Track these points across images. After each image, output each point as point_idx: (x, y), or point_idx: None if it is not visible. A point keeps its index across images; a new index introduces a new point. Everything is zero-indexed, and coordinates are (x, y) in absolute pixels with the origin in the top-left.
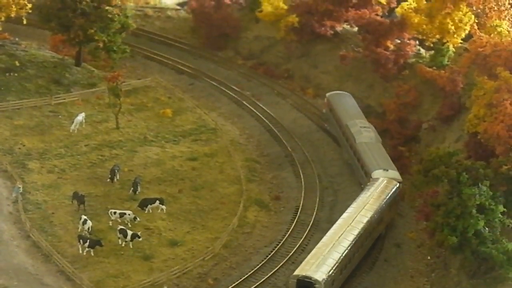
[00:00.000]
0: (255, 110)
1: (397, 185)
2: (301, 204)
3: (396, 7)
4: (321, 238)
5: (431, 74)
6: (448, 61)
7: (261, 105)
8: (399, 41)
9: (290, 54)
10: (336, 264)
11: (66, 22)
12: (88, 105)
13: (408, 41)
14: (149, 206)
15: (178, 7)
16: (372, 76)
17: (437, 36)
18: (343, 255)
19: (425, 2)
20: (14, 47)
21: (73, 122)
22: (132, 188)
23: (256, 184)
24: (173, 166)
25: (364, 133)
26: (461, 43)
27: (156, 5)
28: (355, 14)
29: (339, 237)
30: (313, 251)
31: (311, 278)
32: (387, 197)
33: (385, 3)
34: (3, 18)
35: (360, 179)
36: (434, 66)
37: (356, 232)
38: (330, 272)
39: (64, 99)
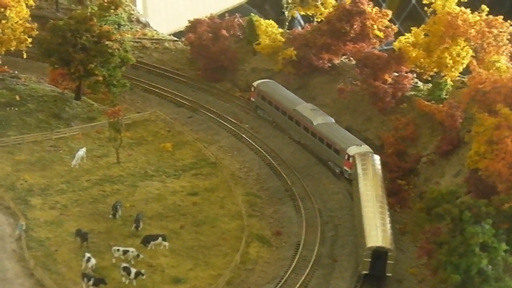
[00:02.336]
0: (254, 143)
1: (379, 158)
2: (302, 239)
3: (394, 40)
4: (323, 274)
5: (430, 108)
6: (446, 95)
7: (259, 138)
8: (396, 74)
9: (287, 87)
10: (391, 232)
11: (66, 57)
12: (88, 140)
13: (405, 74)
14: (151, 242)
15: (175, 39)
16: (369, 109)
17: (435, 69)
18: (389, 224)
19: (423, 37)
20: (14, 81)
21: (74, 157)
22: (134, 225)
23: (257, 219)
24: (174, 201)
25: (319, 115)
26: (458, 76)
27: (154, 36)
28: (353, 48)
29: (375, 210)
30: (365, 226)
31: (384, 247)
32: (380, 168)
33: (382, 36)
34: (3, 52)
35: (329, 157)
36: (432, 99)
37: (384, 202)
38: (392, 240)
39: (65, 133)
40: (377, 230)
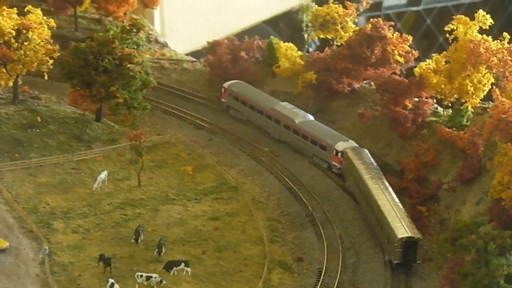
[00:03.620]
0: (273, 167)
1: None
2: (324, 266)
3: (414, 66)
4: None
5: (451, 135)
6: (467, 122)
7: (279, 162)
8: (417, 100)
9: (307, 110)
10: (411, 221)
11: (88, 79)
12: (109, 162)
13: (426, 100)
14: (174, 268)
15: (194, 60)
16: (389, 134)
17: (455, 96)
18: (406, 214)
19: (444, 64)
20: (36, 103)
21: (95, 180)
22: (156, 250)
23: (279, 245)
24: (196, 226)
25: (299, 113)
26: (479, 103)
27: (172, 57)
28: (374, 73)
29: (390, 202)
30: (387, 218)
31: (414, 237)
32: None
33: (403, 62)
34: (24, 73)
35: (315, 153)
36: (453, 126)
37: (393, 193)
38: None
39: (86, 155)
40: (401, 221)
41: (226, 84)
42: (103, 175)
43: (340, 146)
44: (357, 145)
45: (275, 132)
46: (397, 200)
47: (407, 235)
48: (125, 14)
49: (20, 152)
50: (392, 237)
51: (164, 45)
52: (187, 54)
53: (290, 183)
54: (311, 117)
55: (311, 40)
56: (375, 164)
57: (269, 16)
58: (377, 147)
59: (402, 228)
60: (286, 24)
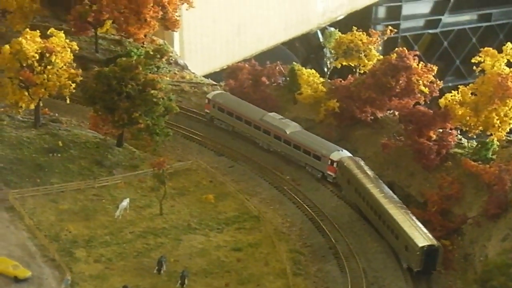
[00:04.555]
0: (295, 196)
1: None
2: None
3: (439, 97)
4: None
5: (477, 168)
6: (492, 155)
7: (301, 191)
8: (441, 131)
9: (328, 138)
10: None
11: (111, 105)
12: (130, 188)
13: (450, 131)
14: None
15: (214, 83)
16: (412, 165)
17: (481, 128)
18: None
19: (470, 96)
20: (57, 126)
21: (117, 208)
22: (179, 281)
23: (302, 278)
24: (218, 257)
25: (289, 124)
26: (505, 136)
27: (192, 80)
28: (398, 103)
29: (400, 211)
30: (405, 228)
31: (435, 245)
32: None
33: (427, 92)
34: (46, 96)
35: (308, 163)
36: (478, 159)
37: (400, 202)
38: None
39: (107, 182)
40: (417, 230)
41: (210, 95)
42: (125, 202)
43: (335, 156)
44: (350, 155)
45: (264, 142)
46: (406, 208)
47: (428, 244)
48: (145, 36)
49: (41, 177)
50: (413, 246)
51: (183, 67)
52: (205, 76)
53: (312, 213)
54: (300, 127)
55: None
56: (373, 173)
57: (288, 38)
58: (399, 177)
59: (421, 237)
60: (302, 45)
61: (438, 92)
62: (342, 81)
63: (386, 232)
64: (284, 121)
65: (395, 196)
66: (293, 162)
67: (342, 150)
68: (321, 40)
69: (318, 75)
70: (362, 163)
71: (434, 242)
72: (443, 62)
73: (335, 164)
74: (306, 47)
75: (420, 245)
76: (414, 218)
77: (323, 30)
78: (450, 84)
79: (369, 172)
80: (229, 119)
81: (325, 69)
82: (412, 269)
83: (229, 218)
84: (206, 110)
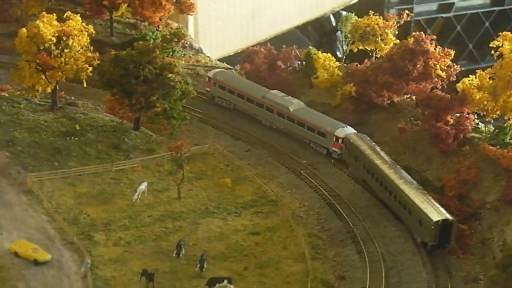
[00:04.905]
0: (313, 180)
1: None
2: (367, 286)
3: (456, 81)
4: None
5: (494, 153)
6: (510, 139)
7: (318, 175)
8: (458, 115)
9: (345, 122)
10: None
11: (128, 89)
12: (148, 172)
13: (467, 116)
14: (217, 285)
15: (229, 67)
16: (429, 149)
17: (498, 112)
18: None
19: (488, 80)
20: (74, 110)
21: (136, 191)
22: (198, 265)
23: (320, 262)
24: (237, 241)
25: (293, 101)
26: None
27: (207, 63)
28: (416, 87)
29: (412, 186)
30: (418, 203)
31: (449, 219)
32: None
33: (444, 76)
34: (63, 80)
35: (312, 140)
36: (495, 144)
37: (410, 177)
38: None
39: (125, 165)
40: (431, 205)
41: (210, 73)
42: (143, 186)
43: (340, 132)
44: (355, 131)
45: (267, 120)
46: (417, 184)
47: (443, 218)
48: (160, 19)
49: (59, 161)
50: (427, 220)
51: (198, 51)
52: (219, 60)
53: (329, 197)
54: (303, 104)
55: (338, 41)
56: (381, 150)
57: (301, 22)
58: (416, 162)
59: (435, 211)
60: (315, 29)
61: (455, 77)
62: (359, 65)
63: (398, 208)
64: (287, 99)
65: (405, 173)
66: (310, 146)
67: (346, 127)
68: (333, 24)
69: (334, 59)
70: (368, 139)
71: (448, 216)
72: (455, 46)
73: (340, 141)
74: (318, 31)
75: (435, 219)
76: (426, 193)
77: (335, 14)
78: (463, 68)
79: (377, 149)
80: (230, 97)
81: (338, 53)
82: (426, 244)
83: (246, 202)
84: (207, 88)
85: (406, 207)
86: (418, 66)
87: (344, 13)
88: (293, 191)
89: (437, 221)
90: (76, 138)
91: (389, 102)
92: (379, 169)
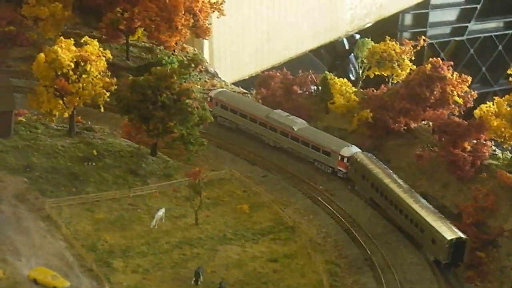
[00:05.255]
0: (329, 207)
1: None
2: None
3: (473, 107)
4: None
5: None
6: None
7: (335, 201)
8: (475, 142)
9: (361, 147)
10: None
11: (146, 114)
12: (165, 198)
13: (484, 142)
14: None
15: (245, 91)
16: (446, 176)
17: None
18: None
19: (506, 107)
20: (91, 135)
21: (153, 217)
22: None
23: None
24: (255, 268)
25: (296, 121)
26: None
27: (223, 88)
28: (433, 114)
29: (423, 205)
30: (430, 221)
31: (462, 237)
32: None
33: (461, 103)
34: (81, 105)
35: (317, 159)
36: None
37: (420, 197)
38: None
39: (142, 191)
40: (444, 223)
41: (212, 93)
42: (161, 212)
43: (346, 151)
44: (360, 150)
45: (270, 139)
46: (426, 202)
47: (457, 237)
48: (176, 43)
49: (77, 186)
50: (441, 239)
51: (214, 75)
52: (233, 83)
53: (347, 224)
54: (306, 123)
55: (351, 64)
56: (387, 168)
57: (316, 45)
58: (433, 188)
59: (448, 230)
60: (328, 51)
61: (472, 103)
62: (375, 91)
63: (409, 226)
64: (290, 118)
65: (415, 193)
66: (327, 172)
67: (351, 146)
68: (346, 46)
69: (351, 85)
70: (374, 158)
71: (461, 234)
72: (469, 69)
73: (345, 160)
74: (331, 54)
75: (449, 238)
76: (437, 212)
77: (349, 37)
78: (476, 91)
79: (384, 167)
80: (233, 116)
81: (351, 76)
82: (439, 262)
83: (264, 228)
84: (209, 108)
85: (418, 225)
86: (435, 92)
87: (357, 36)
88: (310, 217)
89: (451, 240)
90: (94, 164)
91: (405, 128)
92: (388, 188)
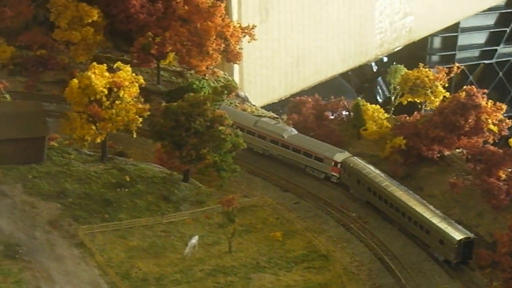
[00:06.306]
0: (363, 234)
1: None
2: None
3: (508, 136)
4: None
5: None
6: None
7: (368, 229)
8: (510, 170)
9: (393, 174)
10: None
11: (179, 141)
12: (198, 225)
13: None
14: None
15: (276, 116)
16: (481, 204)
17: None
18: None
19: None
20: (124, 161)
21: (186, 244)
22: None
23: None
24: None
25: (285, 128)
26: None
27: (253, 112)
28: (468, 142)
29: (427, 208)
30: (436, 222)
31: (470, 237)
32: None
33: (496, 131)
34: (114, 131)
35: (309, 165)
36: None
37: (420, 198)
38: None
39: (175, 218)
40: (450, 224)
41: None
42: (194, 240)
43: (338, 157)
44: (350, 154)
45: (259, 147)
46: (427, 203)
47: (465, 236)
48: (207, 68)
49: (109, 213)
50: (450, 240)
51: (244, 100)
52: (263, 107)
53: (380, 252)
54: (295, 131)
55: (379, 87)
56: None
57: (345, 69)
58: (467, 217)
59: (455, 230)
60: (356, 74)
61: (507, 131)
62: (408, 118)
63: (413, 228)
64: (279, 126)
65: (413, 193)
66: (360, 199)
67: (343, 152)
68: (374, 69)
69: (383, 111)
70: (365, 162)
71: (469, 234)
72: (497, 92)
73: (339, 165)
74: (359, 76)
75: (458, 238)
76: (438, 212)
77: (377, 60)
78: (505, 115)
79: (378, 171)
80: None
81: (378, 98)
82: (449, 261)
83: (297, 256)
84: None
85: (423, 227)
86: (469, 120)
87: (385, 59)
88: (344, 245)
89: (460, 240)
90: (126, 190)
91: (439, 155)
92: (387, 191)
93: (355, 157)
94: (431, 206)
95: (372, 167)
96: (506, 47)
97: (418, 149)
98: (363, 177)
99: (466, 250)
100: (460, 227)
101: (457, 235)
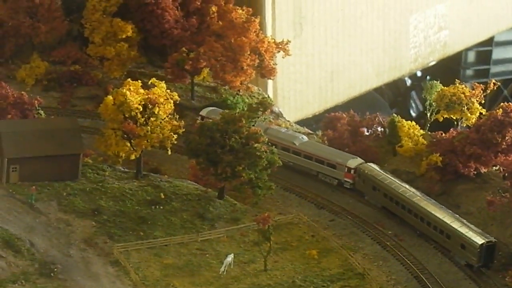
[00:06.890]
0: (399, 253)
1: None
2: None
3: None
4: None
5: None
6: None
7: (404, 247)
8: None
9: (430, 191)
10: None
11: (214, 158)
12: (233, 242)
13: None
14: None
15: (310, 132)
16: None
17: None
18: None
19: None
20: (158, 178)
21: (222, 263)
22: None
23: None
24: None
25: (296, 135)
26: None
27: (288, 128)
28: (505, 160)
29: (444, 212)
30: (457, 227)
31: (492, 241)
32: None
33: None
34: (149, 148)
35: (321, 171)
36: None
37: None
38: None
39: (210, 235)
40: (470, 229)
41: (203, 112)
42: (230, 258)
43: (352, 163)
44: (363, 161)
45: None
46: (445, 208)
47: (487, 240)
48: (241, 83)
49: (144, 230)
50: (472, 245)
51: (278, 115)
52: (296, 122)
53: (417, 271)
54: (306, 138)
55: (412, 100)
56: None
57: (379, 84)
58: (504, 235)
59: (477, 235)
60: (389, 88)
61: None
62: (444, 135)
63: (432, 233)
64: (289, 133)
65: (431, 199)
66: (395, 217)
67: (356, 158)
68: (408, 83)
69: (419, 127)
70: (379, 168)
71: (490, 238)
72: None
73: (352, 171)
74: (393, 90)
75: (480, 242)
76: (458, 217)
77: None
78: None
79: (393, 177)
80: None
81: (412, 112)
82: (471, 265)
83: (333, 275)
84: None
85: (443, 232)
86: (507, 137)
87: (419, 73)
88: (380, 263)
89: (482, 244)
90: (161, 207)
91: (476, 172)
92: (405, 197)
93: (369, 163)
94: (450, 211)
95: (389, 174)
96: None
97: (454, 166)
98: (378, 183)
99: (488, 253)
100: (480, 230)
101: (478, 239)
